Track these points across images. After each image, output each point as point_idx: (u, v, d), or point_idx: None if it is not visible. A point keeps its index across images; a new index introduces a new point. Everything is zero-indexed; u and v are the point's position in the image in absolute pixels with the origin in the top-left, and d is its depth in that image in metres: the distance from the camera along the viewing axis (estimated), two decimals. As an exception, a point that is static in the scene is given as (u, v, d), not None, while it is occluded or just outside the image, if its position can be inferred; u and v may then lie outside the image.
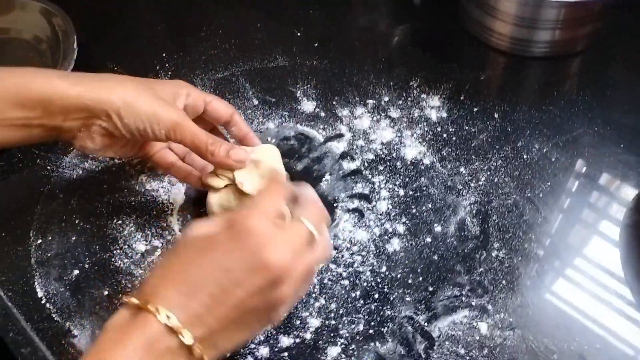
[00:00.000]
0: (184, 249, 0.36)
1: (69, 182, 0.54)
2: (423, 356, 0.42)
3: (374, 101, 0.58)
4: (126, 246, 0.49)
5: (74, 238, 0.50)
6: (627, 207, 0.49)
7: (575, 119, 0.55)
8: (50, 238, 0.50)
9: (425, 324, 0.43)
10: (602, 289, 0.45)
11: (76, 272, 0.47)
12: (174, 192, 0.53)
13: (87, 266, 0.48)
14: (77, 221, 0.51)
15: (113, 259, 0.48)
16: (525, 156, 0.53)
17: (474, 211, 0.49)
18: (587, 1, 0.54)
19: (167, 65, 0.64)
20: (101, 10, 0.72)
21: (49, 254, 0.49)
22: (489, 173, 0.52)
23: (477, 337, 0.43)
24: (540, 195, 0.50)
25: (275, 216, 0.36)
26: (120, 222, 0.51)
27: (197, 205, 0.52)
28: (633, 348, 0.42)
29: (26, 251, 0.49)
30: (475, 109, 0.56)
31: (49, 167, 0.55)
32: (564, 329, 0.43)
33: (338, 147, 0.55)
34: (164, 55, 0.65)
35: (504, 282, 0.45)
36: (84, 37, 0.63)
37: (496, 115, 0.56)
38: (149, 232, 0.50)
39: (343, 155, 0.54)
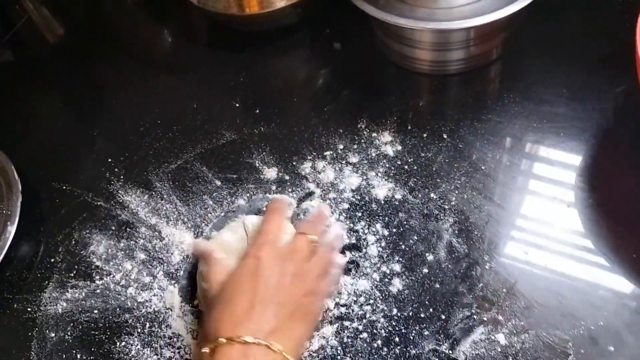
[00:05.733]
0: (225, 292, 0.45)
1: (57, 318, 0.52)
2: (458, 383, 0.44)
3: (331, 151, 0.60)
4: (138, 366, 0.48)
5: (81, 375, 0.48)
6: (577, 184, 0.54)
7: (515, 120, 0.59)
8: (56, 382, 0.48)
9: (450, 352, 0.46)
10: (590, 266, 0.49)
11: (95, 409, 0.46)
12: (168, 296, 0.52)
13: (104, 399, 0.46)
14: (79, 356, 0.49)
15: (129, 384, 0.47)
16: (482, 167, 0.56)
17: (456, 231, 0.52)
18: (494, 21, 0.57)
19: (116, 170, 0.63)
20: (34, 140, 0.70)
21: (61, 400, 0.47)
22: (457, 192, 0.55)
23: (499, 349, 0.45)
24: (507, 199, 0.54)
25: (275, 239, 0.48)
26: (123, 344, 0.50)
27: (192, 298, 0.52)
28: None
29: (35, 404, 0.47)
30: (425, 135, 0.60)
31: (29, 309, 0.53)
32: (570, 317, 0.46)
33: (312, 205, 0.56)
34: (109, 160, 0.64)
35: (504, 290, 0.48)
36: (24, 167, 0.61)
37: (445, 136, 0.59)
38: (156, 345, 0.49)
39: (320, 212, 0.56)
